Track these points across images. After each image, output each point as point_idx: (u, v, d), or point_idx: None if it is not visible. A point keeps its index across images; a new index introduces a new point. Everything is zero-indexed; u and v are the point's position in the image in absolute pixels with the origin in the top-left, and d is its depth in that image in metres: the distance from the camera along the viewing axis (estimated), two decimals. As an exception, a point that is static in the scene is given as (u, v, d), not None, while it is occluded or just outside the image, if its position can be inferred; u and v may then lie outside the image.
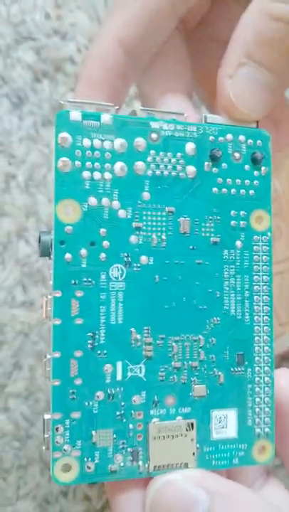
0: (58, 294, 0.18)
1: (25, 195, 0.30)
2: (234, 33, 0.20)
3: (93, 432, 0.18)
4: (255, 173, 0.20)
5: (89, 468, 0.18)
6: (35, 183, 0.30)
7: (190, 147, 0.20)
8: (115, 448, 0.19)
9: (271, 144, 0.21)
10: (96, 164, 0.19)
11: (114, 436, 0.19)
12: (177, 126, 0.20)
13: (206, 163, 0.20)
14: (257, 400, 0.20)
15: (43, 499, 0.28)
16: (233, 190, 0.20)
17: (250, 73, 0.20)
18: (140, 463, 0.19)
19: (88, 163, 0.19)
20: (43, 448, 0.18)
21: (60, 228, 0.18)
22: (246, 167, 0.20)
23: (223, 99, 0.20)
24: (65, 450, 0.18)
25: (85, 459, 0.18)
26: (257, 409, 0.20)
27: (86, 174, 0.19)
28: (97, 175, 0.19)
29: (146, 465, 0.19)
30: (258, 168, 0.20)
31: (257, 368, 0.20)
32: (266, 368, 0.20)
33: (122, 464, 0.19)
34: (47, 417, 0.18)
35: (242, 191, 0.20)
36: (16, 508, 0.28)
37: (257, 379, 0.20)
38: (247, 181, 0.20)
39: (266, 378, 0.20)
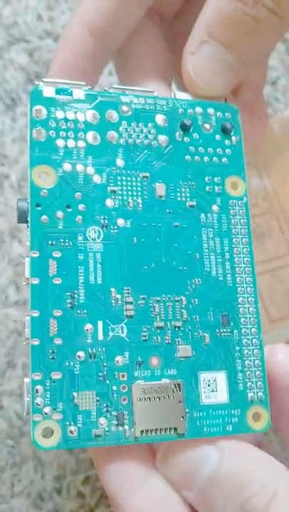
0: (35, 255, 0.18)
1: (18, 195, 0.31)
2: (201, 13, 0.21)
3: (75, 394, 0.18)
4: (227, 142, 0.21)
5: (71, 432, 0.17)
6: (28, 183, 0.31)
7: (160, 118, 0.21)
8: (99, 411, 0.18)
9: (240, 119, 0.22)
10: (70, 133, 0.20)
11: (98, 398, 0.18)
12: (147, 100, 0.21)
13: (177, 132, 0.21)
14: (247, 362, 0.19)
15: (37, 496, 0.27)
16: (206, 158, 0.21)
17: (210, 51, 0.20)
18: (126, 427, 0.18)
19: (62, 133, 0.19)
20: (24, 414, 0.18)
21: (35, 192, 0.19)
22: (217, 137, 0.21)
23: (184, 74, 0.21)
24: (45, 413, 0.17)
25: (67, 423, 0.17)
26: (248, 373, 0.19)
27: (60, 142, 0.19)
28: (71, 143, 0.19)
29: (133, 429, 0.18)
30: (228, 137, 0.21)
31: (244, 330, 0.20)
32: (253, 330, 0.20)
33: (106, 429, 0.18)
34: (27, 380, 0.18)
35: (215, 159, 0.21)
36: (10, 506, 0.27)
37: (245, 341, 0.19)
38: (219, 150, 0.21)
39: (254, 340, 0.20)
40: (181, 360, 0.19)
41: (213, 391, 0.19)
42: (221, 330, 0.19)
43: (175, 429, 0.18)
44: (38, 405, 0.17)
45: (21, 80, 0.33)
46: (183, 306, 0.19)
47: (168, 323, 0.19)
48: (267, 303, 0.27)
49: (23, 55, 0.33)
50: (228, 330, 0.19)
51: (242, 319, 0.20)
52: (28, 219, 0.19)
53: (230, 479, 0.17)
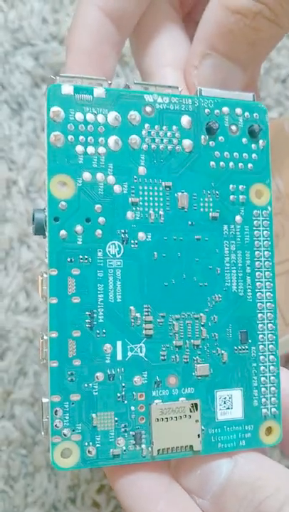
0: (54, 272, 0.18)
1: (26, 201, 0.30)
2: (199, 25, 0.21)
3: (93, 415, 0.18)
4: (253, 146, 0.20)
5: (90, 452, 0.18)
6: (36, 189, 0.30)
7: (185, 120, 0.19)
8: (117, 431, 0.18)
9: (268, 121, 0.20)
10: (90, 138, 0.18)
11: (116, 419, 0.18)
12: (172, 98, 0.19)
13: (202, 136, 0.19)
14: (262, 379, 0.19)
15: (51, 506, 0.28)
16: (231, 164, 0.20)
17: (213, 63, 0.20)
18: (143, 446, 0.18)
19: (81, 138, 0.18)
20: (42, 433, 0.18)
21: (54, 204, 0.18)
22: (244, 140, 0.20)
23: (189, 88, 0.21)
24: (64, 434, 0.17)
25: (86, 444, 0.18)
26: (263, 389, 0.19)
27: (79, 149, 0.18)
28: (90, 149, 0.18)
29: (150, 448, 0.18)
30: (255, 141, 0.20)
31: (261, 346, 0.19)
32: (271, 346, 0.20)
33: (124, 448, 0.18)
34: (45, 400, 0.18)
35: (240, 165, 0.20)
36: None
37: (262, 357, 0.19)
38: (245, 155, 0.20)
39: (271, 356, 0.20)
40: (199, 379, 0.19)
41: (228, 408, 0.19)
42: (239, 347, 0.19)
43: (191, 446, 0.18)
44: (57, 427, 0.17)
45: (27, 84, 0.31)
46: (202, 323, 0.19)
47: (187, 341, 0.19)
48: (282, 306, 0.27)
49: (28, 59, 0.31)
50: (246, 347, 0.19)
51: (260, 336, 0.19)
52: (46, 232, 0.18)
53: (243, 484, 0.18)
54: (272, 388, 0.19)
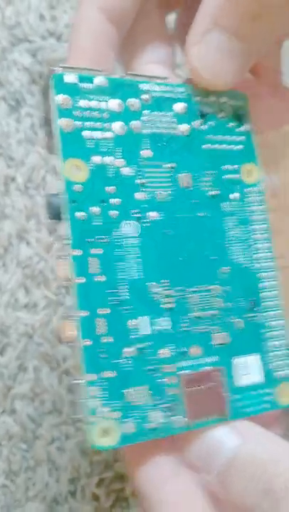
0: (79, 253, 0.18)
1: (25, 197, 0.30)
2: (201, 4, 0.20)
3: (128, 391, 0.18)
4: (240, 129, 0.21)
5: (128, 429, 0.18)
6: (35, 185, 0.30)
7: (180, 106, 0.20)
8: (152, 405, 0.18)
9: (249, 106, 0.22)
10: (96, 124, 0.19)
11: (150, 392, 0.18)
12: (166, 87, 0.20)
13: (196, 121, 0.21)
14: (274, 343, 0.20)
15: (52, 500, 0.27)
16: (223, 146, 0.21)
17: (216, 39, 0.19)
18: (179, 417, 0.18)
19: (87, 123, 0.19)
20: (78, 416, 0.17)
21: (70, 187, 0.18)
22: (232, 124, 0.21)
23: (189, 66, 0.20)
24: (102, 413, 0.17)
25: (124, 420, 0.18)
26: (276, 353, 0.20)
27: (88, 134, 0.19)
28: (98, 134, 0.19)
29: (185, 418, 0.18)
30: (241, 125, 0.22)
31: (269, 313, 0.21)
32: (277, 312, 0.21)
33: (160, 421, 0.18)
34: (79, 381, 0.17)
35: (231, 146, 0.21)
36: (25, 510, 0.26)
37: (271, 323, 0.21)
38: (234, 137, 0.21)
39: (279, 321, 0.21)
40: (220, 347, 0.20)
41: (248, 373, 0.20)
42: (251, 314, 0.20)
43: (220, 413, 0.19)
44: (94, 406, 0.17)
45: (25, 81, 0.31)
46: (217, 294, 0.20)
47: (205, 312, 0.19)
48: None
49: (26, 56, 0.31)
50: (257, 314, 0.20)
51: (267, 303, 0.21)
52: (62, 216, 0.18)
53: (250, 460, 0.17)
54: (284, 352, 0.21)
